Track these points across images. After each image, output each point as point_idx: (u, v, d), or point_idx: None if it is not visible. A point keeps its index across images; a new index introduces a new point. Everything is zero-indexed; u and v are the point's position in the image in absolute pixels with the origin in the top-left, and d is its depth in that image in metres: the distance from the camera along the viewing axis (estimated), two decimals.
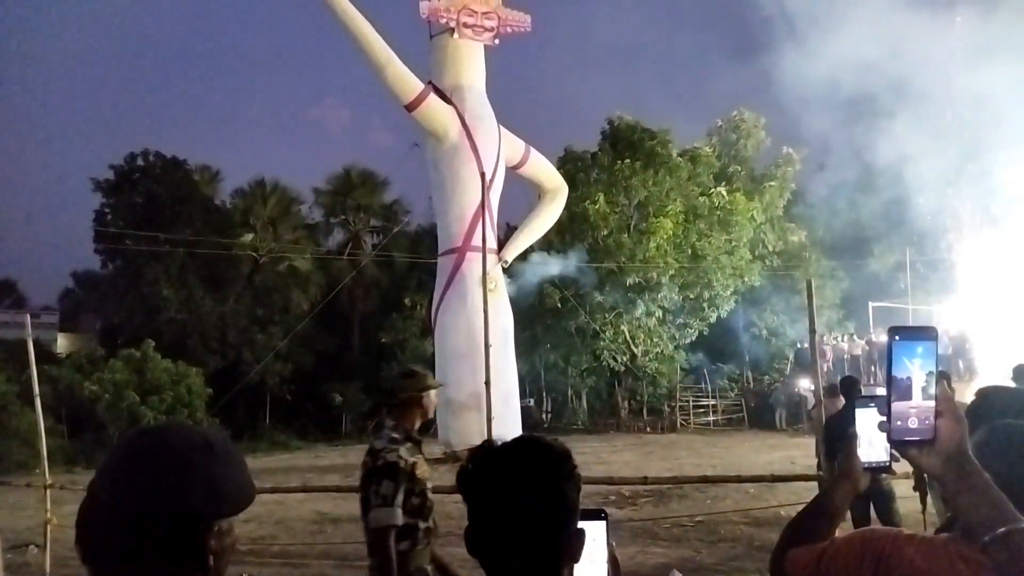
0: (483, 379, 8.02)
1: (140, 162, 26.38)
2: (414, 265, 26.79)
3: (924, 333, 1.25)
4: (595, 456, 13.64)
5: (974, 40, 15.25)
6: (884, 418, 1.25)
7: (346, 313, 28.08)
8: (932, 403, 1.21)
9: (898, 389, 1.23)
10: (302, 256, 27.78)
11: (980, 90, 15.24)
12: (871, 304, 22.29)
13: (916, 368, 1.25)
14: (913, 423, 1.23)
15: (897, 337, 1.25)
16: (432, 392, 2.80)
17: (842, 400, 6.79)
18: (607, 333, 22.70)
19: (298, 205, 29.74)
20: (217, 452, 0.94)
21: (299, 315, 24.88)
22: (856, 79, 17.25)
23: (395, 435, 2.69)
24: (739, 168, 24.45)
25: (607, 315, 22.59)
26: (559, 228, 19.18)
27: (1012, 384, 6.44)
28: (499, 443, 1.07)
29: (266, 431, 23.79)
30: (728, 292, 22.41)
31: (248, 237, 27.51)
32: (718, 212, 22.08)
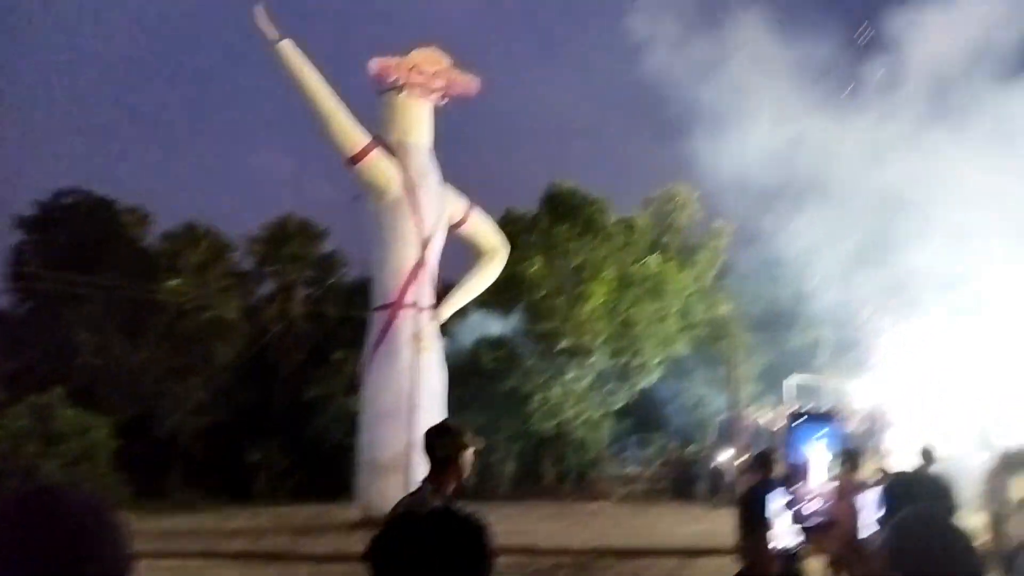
0: (408, 440, 7.85)
1: (67, 200, 25.52)
2: (347, 319, 26.36)
3: (826, 417, 1.29)
4: (516, 525, 13.31)
5: (886, 133, 16.52)
6: (791, 499, 1.27)
7: (271, 366, 27.24)
8: (834, 485, 1.24)
9: (802, 473, 1.26)
10: (229, 305, 26.98)
11: (892, 180, 16.40)
12: (790, 378, 23.01)
13: (818, 452, 1.28)
14: (815, 506, 1.25)
15: (800, 421, 1.28)
16: (471, 450, 2.66)
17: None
18: (537, 397, 22.66)
19: (230, 252, 29.03)
20: (106, 517, 0.88)
21: (221, 367, 23.99)
22: (777, 164, 18.32)
23: (435, 501, 2.53)
24: (672, 239, 25.26)
25: (538, 378, 22.60)
26: (496, 288, 19.30)
27: (921, 462, 6.71)
28: (418, 511, 1.04)
29: (173, 489, 22.54)
30: (656, 360, 22.80)
31: (174, 283, 26.61)
32: (650, 280, 22.64)
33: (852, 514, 6.55)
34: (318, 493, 20.26)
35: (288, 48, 11.36)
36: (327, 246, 30.05)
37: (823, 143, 16.74)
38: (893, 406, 19.45)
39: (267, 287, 29.82)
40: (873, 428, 19.70)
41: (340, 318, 26.98)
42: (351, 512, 13.13)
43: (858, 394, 22.22)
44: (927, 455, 7.10)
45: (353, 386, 18.67)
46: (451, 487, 2.64)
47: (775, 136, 17.16)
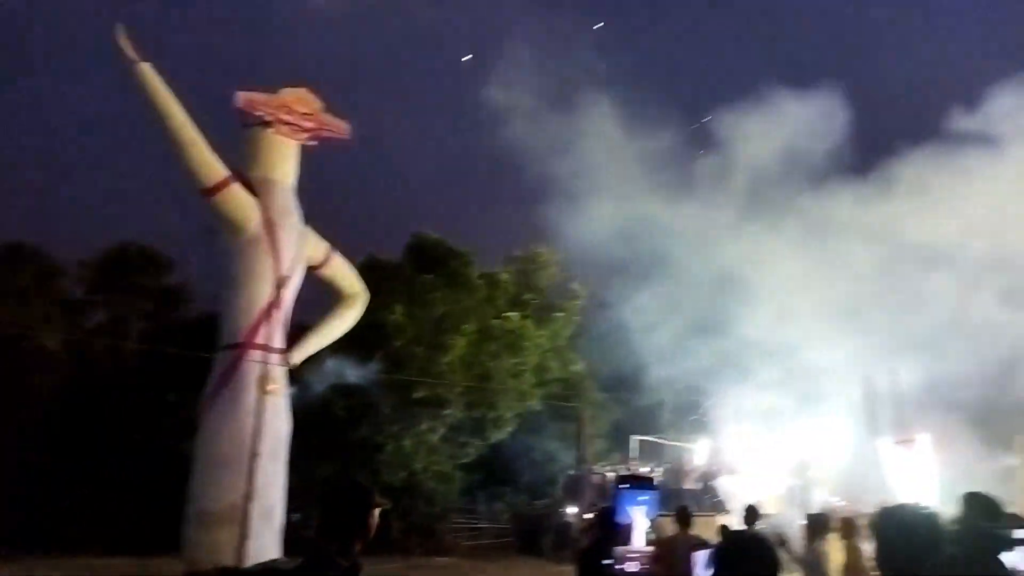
0: (246, 490, 7.41)
1: None
2: (186, 358, 24.70)
3: (648, 485, 1.40)
4: None
5: (722, 219, 18.44)
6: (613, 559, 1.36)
7: (96, 404, 24.93)
8: (652, 548, 1.35)
9: (621, 534, 1.35)
10: (53, 335, 24.57)
11: (728, 259, 18.08)
12: (635, 437, 24.08)
13: (639, 515, 1.38)
14: (635, 567, 1.35)
15: (623, 487, 1.38)
16: (377, 511, 2.62)
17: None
18: (388, 447, 22.16)
19: (59, 278, 26.60)
20: None
21: (39, 403, 21.67)
22: (624, 239, 19.96)
23: (342, 560, 2.49)
24: (532, 297, 25.92)
25: (391, 428, 22.14)
26: (354, 335, 18.86)
27: (746, 521, 7.16)
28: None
29: None
30: (510, 414, 23.05)
31: None
32: (510, 336, 23.02)
33: (675, 571, 6.86)
34: (140, 545, 18.59)
35: (147, 71, 10.81)
36: (171, 278, 28.26)
37: (666, 224, 18.47)
38: (726, 466, 20.82)
39: (99, 317, 27.48)
40: (707, 486, 20.91)
41: (178, 356, 25.24)
42: (173, 567, 12.12)
43: (696, 454, 23.59)
44: (751, 514, 7.59)
45: (188, 430, 17.40)
46: (358, 547, 2.61)
47: (623, 213, 18.79)
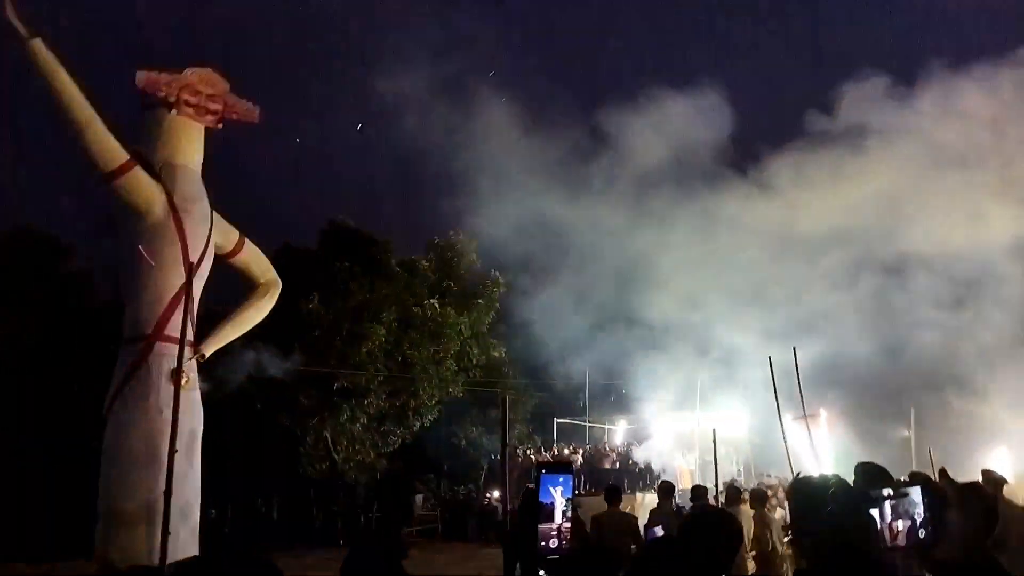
0: (160, 488, 7.13)
1: None
2: (91, 348, 23.48)
3: (564, 468, 1.48)
4: (288, 572, 12.59)
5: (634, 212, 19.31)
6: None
7: None
8: (569, 525, 1.41)
9: (543, 513, 1.41)
10: None
11: (637, 249, 18.88)
12: (556, 420, 24.51)
13: (558, 495, 1.45)
14: (554, 543, 1.41)
15: (543, 471, 1.45)
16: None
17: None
18: (308, 439, 21.76)
19: None
20: None
21: None
22: (538, 229, 20.59)
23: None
24: (452, 284, 25.87)
25: (310, 420, 21.73)
26: (269, 325, 18.35)
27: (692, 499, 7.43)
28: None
29: None
30: (433, 402, 23.00)
31: None
32: (430, 323, 22.92)
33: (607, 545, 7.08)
34: (45, 549, 17.66)
35: (41, 48, 10.09)
36: (71, 266, 26.75)
37: (568, 217, 19.37)
38: (643, 445, 21.49)
39: None
40: (626, 464, 21.54)
41: (80, 347, 23.96)
42: (86, 569, 11.57)
43: (615, 434, 24.21)
44: (699, 493, 7.93)
45: (93, 424, 16.55)
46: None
47: (526, 207, 19.59)
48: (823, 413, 15.72)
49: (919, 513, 2.79)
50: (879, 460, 3.87)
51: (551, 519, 1.30)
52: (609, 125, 21.24)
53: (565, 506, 1.36)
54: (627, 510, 9.37)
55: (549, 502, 1.28)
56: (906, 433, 17.77)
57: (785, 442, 9.51)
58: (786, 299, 17.94)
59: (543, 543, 1.24)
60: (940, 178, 17.61)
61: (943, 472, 3.93)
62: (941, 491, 3.46)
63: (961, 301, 18.28)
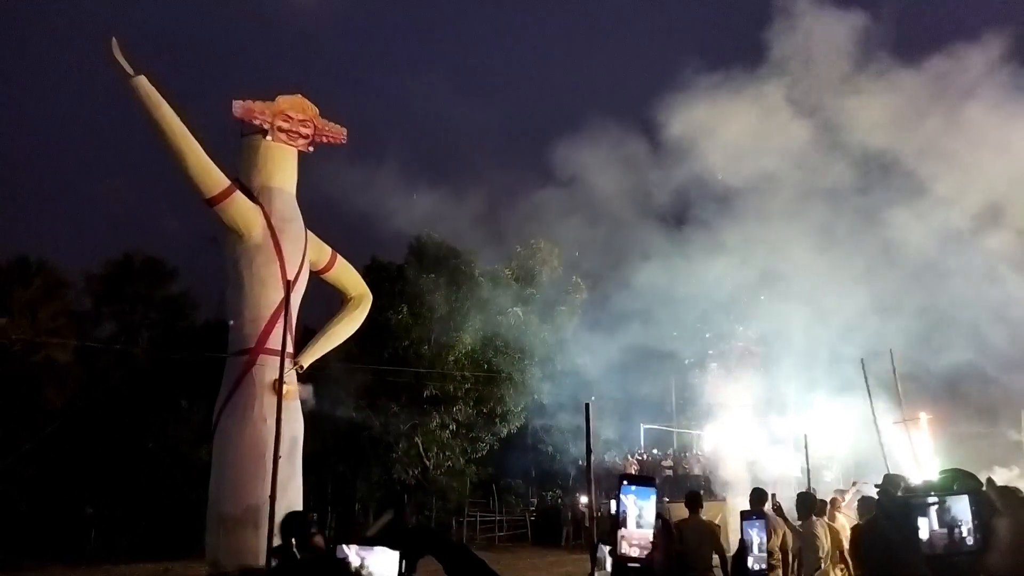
0: (265, 493, 7.59)
1: None
2: (195, 365, 24.95)
3: (646, 481, 1.61)
4: None
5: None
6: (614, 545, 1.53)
7: (110, 414, 25.18)
8: (649, 533, 1.53)
9: (623, 521, 1.53)
10: (63, 346, 24.82)
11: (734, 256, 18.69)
12: (643, 426, 24.30)
13: (642, 506, 1.58)
14: (635, 551, 1.53)
15: (625, 482, 1.59)
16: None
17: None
18: (400, 445, 22.40)
19: (66, 290, 26.82)
20: None
21: (51, 414, 21.93)
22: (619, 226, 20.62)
23: None
24: (534, 292, 26.07)
25: (402, 427, 22.37)
26: (360, 336, 19.09)
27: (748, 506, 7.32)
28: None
29: None
30: (519, 408, 23.25)
31: (1, 321, 24.19)
32: (514, 331, 23.21)
33: (660, 561, 7.04)
34: (161, 550, 18.87)
35: (144, 84, 10.92)
36: (175, 287, 28.49)
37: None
38: (730, 453, 21.10)
39: (107, 329, 27.72)
40: (713, 471, 21.16)
41: (187, 363, 25.48)
42: (198, 570, 12.35)
43: (703, 441, 23.79)
44: (760, 497, 7.75)
45: (201, 435, 17.63)
46: None
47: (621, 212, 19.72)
48: (923, 416, 14.97)
49: (966, 522, 2.76)
50: (984, 466, 3.77)
51: (630, 526, 1.40)
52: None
53: (640, 515, 1.46)
54: (716, 517, 9.24)
55: (624, 511, 1.39)
56: (1015, 436, 16.73)
57: (882, 447, 9.18)
58: (886, 298, 17.13)
59: (623, 552, 1.34)
60: None
61: (990, 481, 3.77)
62: (989, 500, 3.34)
63: None
